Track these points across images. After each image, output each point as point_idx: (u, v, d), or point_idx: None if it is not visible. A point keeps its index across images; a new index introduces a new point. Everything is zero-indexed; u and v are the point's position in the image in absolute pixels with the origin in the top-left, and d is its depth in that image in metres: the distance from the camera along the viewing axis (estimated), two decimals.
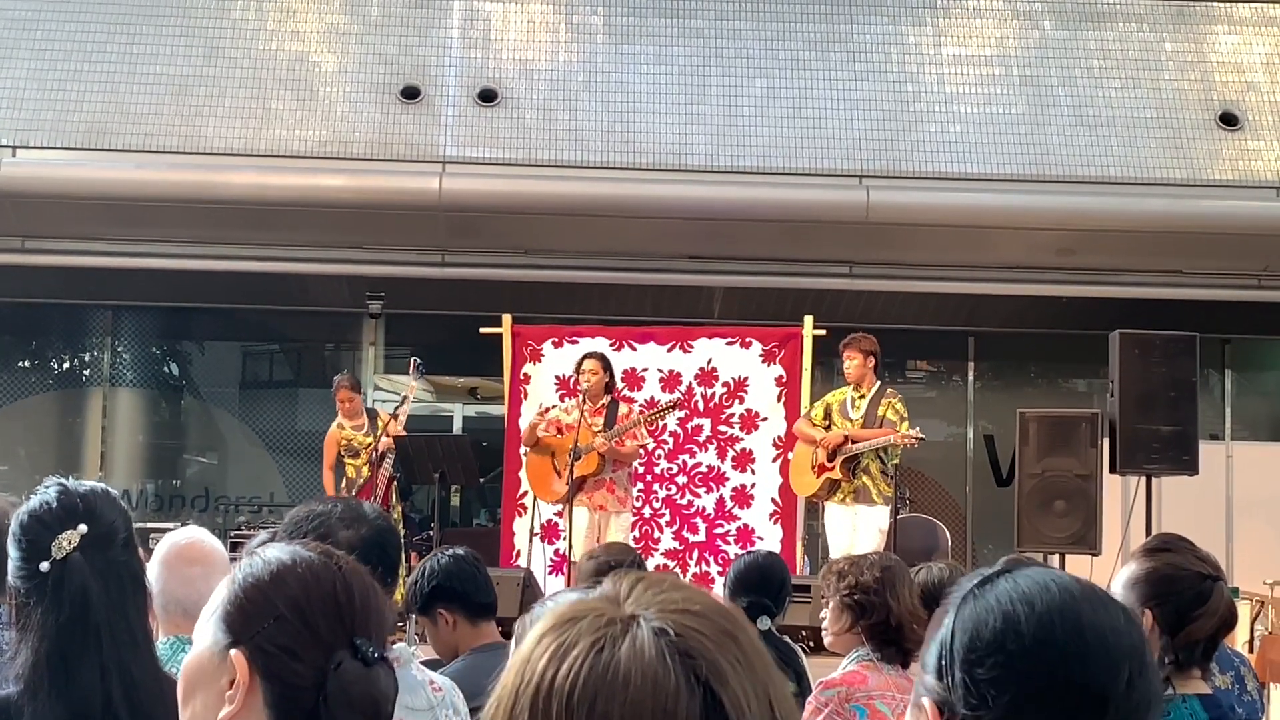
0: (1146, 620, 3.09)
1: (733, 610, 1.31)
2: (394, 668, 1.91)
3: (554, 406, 10.86)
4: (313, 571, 1.90)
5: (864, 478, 9.96)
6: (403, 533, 11.12)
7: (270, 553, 1.94)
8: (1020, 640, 1.58)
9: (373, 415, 11.58)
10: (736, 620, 1.29)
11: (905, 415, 10.02)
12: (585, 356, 10.38)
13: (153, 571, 3.43)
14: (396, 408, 11.49)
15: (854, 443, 9.90)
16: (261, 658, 1.84)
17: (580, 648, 1.22)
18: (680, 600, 1.27)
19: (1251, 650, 10.32)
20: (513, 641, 1.86)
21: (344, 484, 11.48)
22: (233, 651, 1.85)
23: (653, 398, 11.25)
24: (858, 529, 9.92)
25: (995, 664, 1.58)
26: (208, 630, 1.90)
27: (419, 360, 11.51)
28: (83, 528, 2.59)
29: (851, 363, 10.12)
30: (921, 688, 1.62)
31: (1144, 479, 10.27)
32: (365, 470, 11.29)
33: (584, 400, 10.08)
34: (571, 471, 9.82)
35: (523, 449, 10.93)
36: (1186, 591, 3.17)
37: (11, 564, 2.62)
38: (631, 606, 1.26)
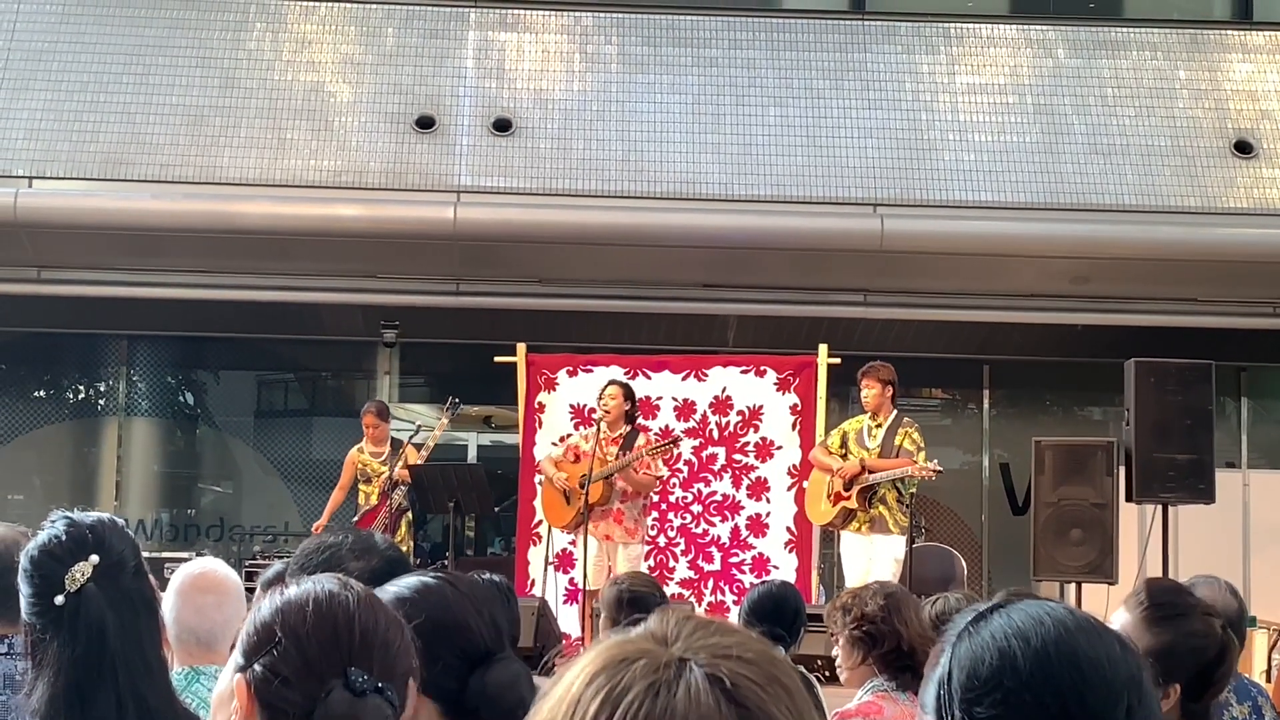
0: (1174, 693, 3.02)
1: (782, 658, 1.29)
2: (394, 705, 1.92)
3: (572, 434, 10.89)
4: (316, 600, 1.92)
5: (880, 507, 9.95)
6: (414, 563, 11.13)
7: (294, 585, 1.96)
8: (1017, 676, 1.58)
9: (396, 445, 11.61)
10: (785, 668, 1.27)
11: (922, 445, 10.01)
12: (609, 384, 10.42)
13: (167, 602, 3.43)
14: (416, 439, 11.53)
15: (871, 473, 9.90)
16: (259, 683, 1.87)
17: (635, 692, 1.19)
18: (731, 646, 1.25)
19: (1269, 679, 10.26)
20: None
21: (356, 509, 11.50)
22: (237, 677, 1.86)
23: (667, 427, 11.25)
24: (874, 559, 9.90)
25: (994, 701, 1.57)
26: (233, 656, 1.94)
27: (457, 399, 11.54)
28: (94, 558, 2.58)
29: (870, 392, 10.11)
30: None
31: (1160, 508, 10.23)
32: (375, 498, 11.30)
33: (599, 428, 10.09)
34: (586, 499, 9.83)
35: (538, 477, 10.96)
36: (1212, 657, 3.10)
37: (24, 600, 2.61)
38: (681, 650, 1.24)
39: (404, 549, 11.08)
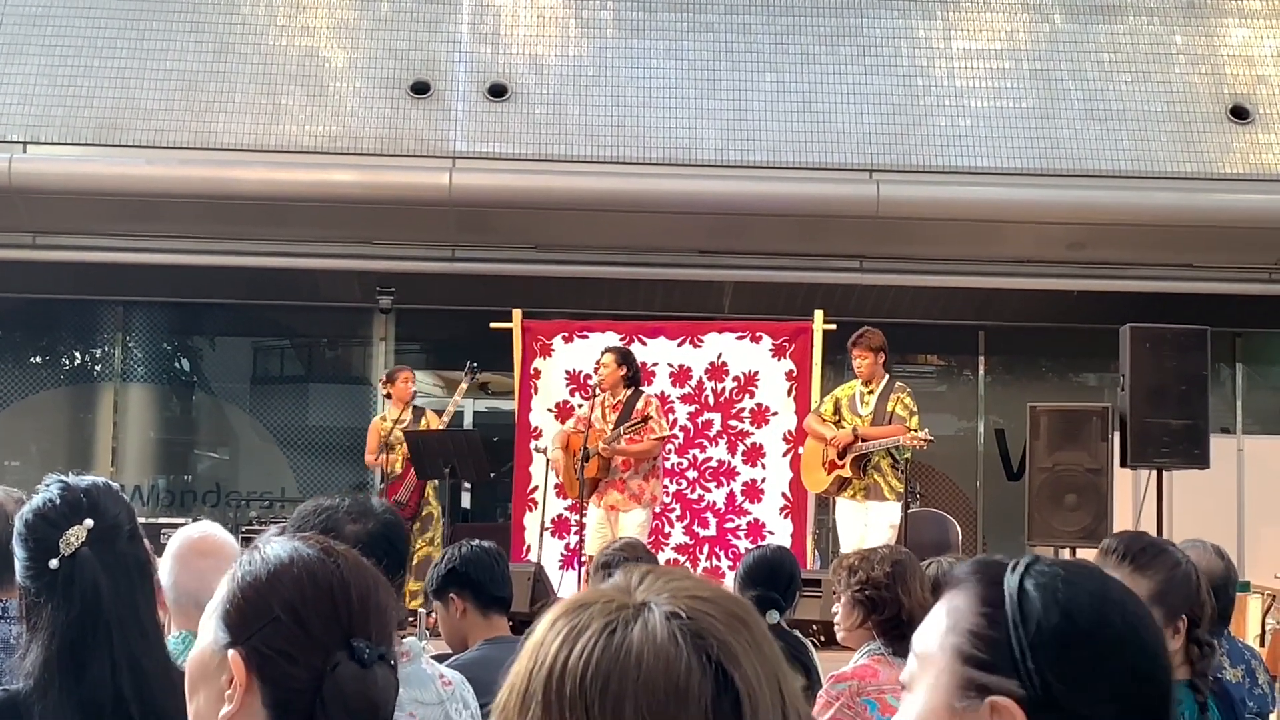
0: (1182, 626, 3.07)
1: (742, 598, 1.33)
2: (395, 667, 1.90)
3: (580, 404, 10.91)
4: (310, 571, 1.89)
5: (875, 475, 9.98)
6: (442, 526, 11.16)
7: (270, 550, 1.93)
8: (1112, 630, 1.58)
9: (418, 412, 11.59)
10: (746, 607, 1.31)
11: (915, 410, 10.03)
12: (604, 351, 10.43)
13: (165, 566, 3.44)
14: (436, 406, 11.57)
15: (864, 441, 9.91)
16: (258, 659, 1.84)
17: (592, 630, 1.24)
18: (690, 588, 1.29)
19: (1263, 644, 10.31)
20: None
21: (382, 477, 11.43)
22: (230, 653, 1.85)
23: (663, 392, 11.26)
24: (869, 525, 9.93)
25: (1089, 656, 1.56)
26: (209, 628, 1.90)
27: (476, 364, 11.51)
28: (89, 522, 2.59)
29: (863, 361, 10.13)
30: (952, 688, 1.59)
31: (1155, 473, 10.26)
32: (399, 466, 11.24)
33: (595, 395, 10.11)
34: (582, 471, 9.85)
35: (534, 444, 11.01)
36: (1195, 584, 3.17)
37: (19, 564, 2.62)
38: (642, 594, 1.28)
39: (433, 513, 11.14)
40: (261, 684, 1.83)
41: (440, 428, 11.26)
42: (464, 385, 11.52)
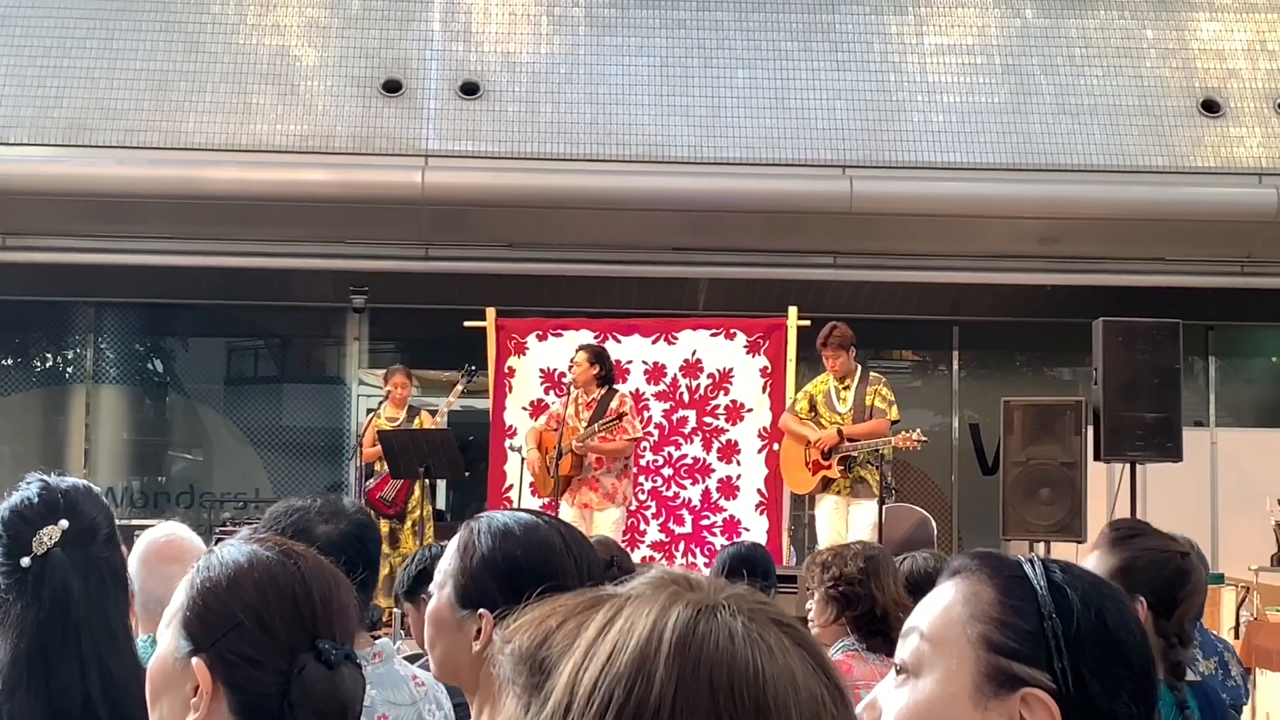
0: (1142, 608, 3.07)
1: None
2: (360, 666, 1.89)
3: (552, 402, 10.90)
4: (270, 574, 1.88)
5: (860, 471, 9.93)
6: (431, 528, 11.15)
7: (227, 554, 1.91)
8: (1130, 630, 1.61)
9: (413, 412, 11.59)
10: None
11: (893, 399, 10.02)
12: (577, 349, 10.43)
13: (131, 569, 3.42)
14: (431, 406, 11.58)
15: (850, 440, 9.87)
16: (223, 666, 1.82)
17: (681, 606, 1.11)
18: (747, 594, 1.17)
19: (1237, 636, 10.34)
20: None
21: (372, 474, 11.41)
22: (194, 660, 1.83)
23: (637, 390, 11.25)
24: (852, 523, 9.89)
25: (1114, 653, 1.59)
26: (169, 635, 1.88)
27: (473, 366, 11.50)
28: (64, 523, 2.57)
29: (835, 360, 10.10)
30: (979, 675, 1.59)
31: (1128, 466, 10.28)
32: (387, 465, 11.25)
33: (569, 393, 10.11)
34: (557, 468, 9.85)
35: (508, 442, 10.99)
36: (1172, 573, 3.16)
37: None
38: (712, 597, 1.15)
39: (423, 513, 11.11)
40: (228, 690, 1.81)
41: (436, 424, 11.30)
42: (460, 387, 11.50)
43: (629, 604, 1.11)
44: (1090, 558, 3.27)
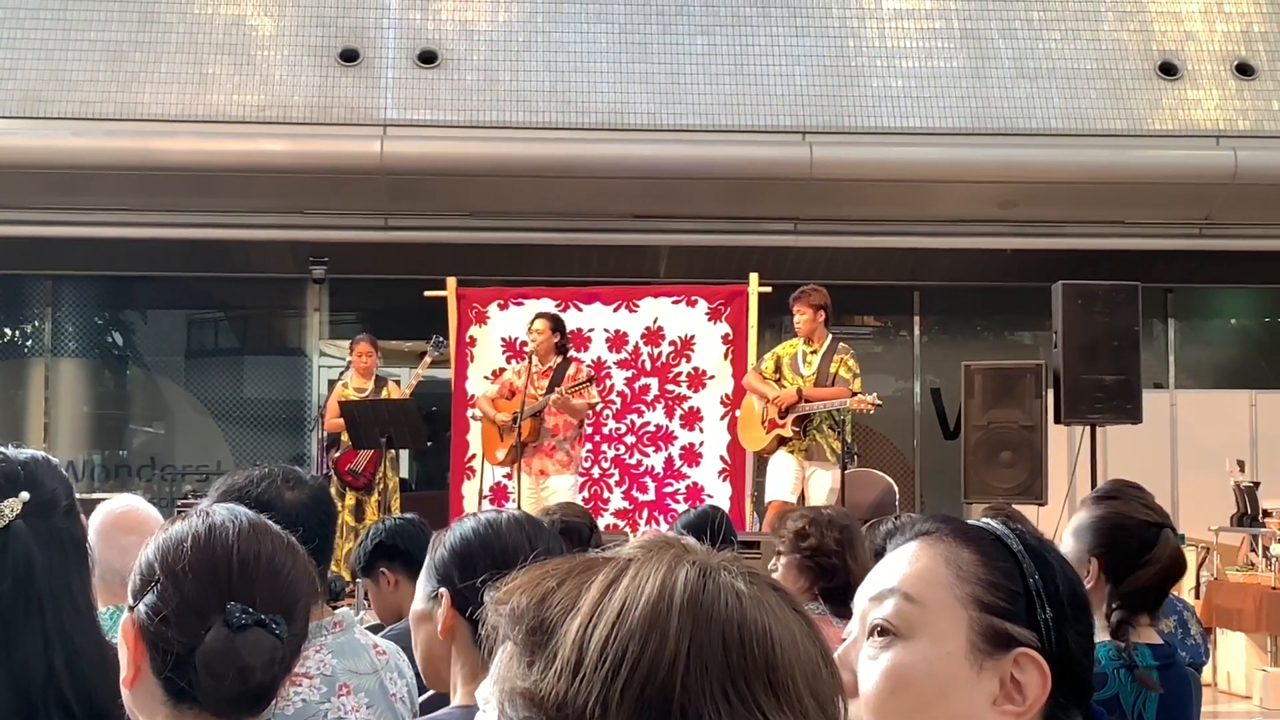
0: (1092, 569, 3.09)
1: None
2: (277, 632, 1.88)
3: (506, 369, 10.88)
4: (195, 535, 1.89)
5: (816, 435, 9.92)
6: (397, 500, 11.15)
7: (186, 520, 1.93)
8: (1080, 581, 1.71)
9: (381, 382, 11.56)
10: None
11: (858, 372, 10.01)
12: (536, 316, 10.40)
13: (89, 541, 3.40)
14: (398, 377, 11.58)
15: (808, 401, 9.86)
16: (143, 624, 1.83)
17: (688, 566, 1.10)
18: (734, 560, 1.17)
19: (1198, 596, 10.44)
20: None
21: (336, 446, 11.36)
22: (123, 617, 1.84)
23: (599, 358, 11.25)
24: (810, 487, 9.90)
25: (1081, 608, 1.67)
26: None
27: (441, 337, 11.46)
28: (25, 495, 2.55)
29: (801, 317, 10.06)
30: (974, 635, 1.62)
31: (1089, 428, 10.34)
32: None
33: (530, 362, 10.09)
34: (518, 435, 9.84)
35: (471, 411, 10.97)
36: (1132, 540, 3.17)
37: None
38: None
39: (389, 485, 11.10)
40: (149, 650, 1.82)
41: (403, 395, 11.28)
42: (428, 358, 11.47)
43: (631, 564, 1.12)
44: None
